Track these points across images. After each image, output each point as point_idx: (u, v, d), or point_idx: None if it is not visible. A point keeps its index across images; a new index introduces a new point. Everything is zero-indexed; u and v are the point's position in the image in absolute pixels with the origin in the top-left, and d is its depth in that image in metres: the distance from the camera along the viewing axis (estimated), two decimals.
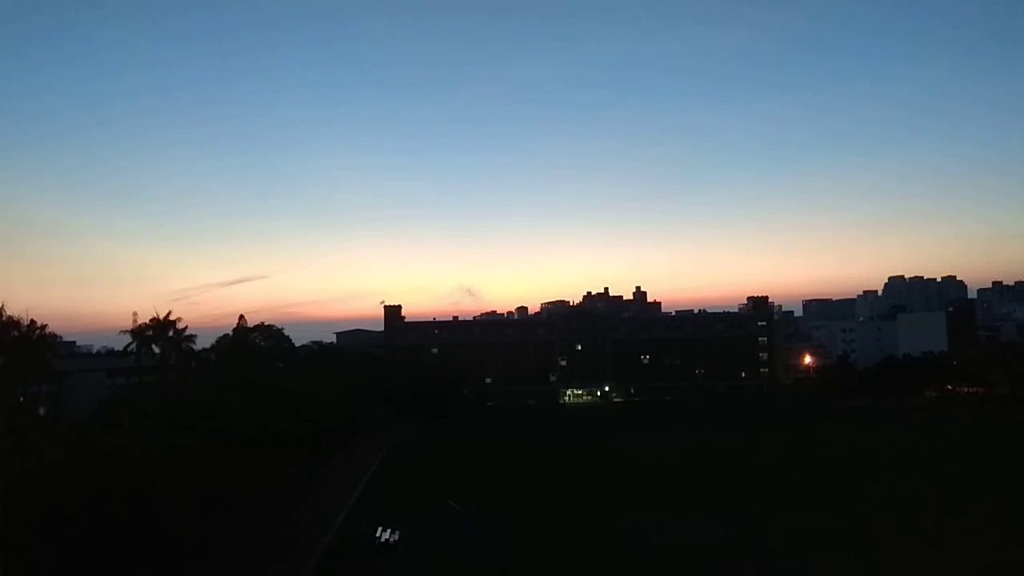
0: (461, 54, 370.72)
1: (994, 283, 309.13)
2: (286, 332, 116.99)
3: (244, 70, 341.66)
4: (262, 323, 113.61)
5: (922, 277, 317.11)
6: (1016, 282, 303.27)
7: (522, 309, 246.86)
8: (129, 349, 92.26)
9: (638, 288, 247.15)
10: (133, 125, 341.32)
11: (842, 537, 41.53)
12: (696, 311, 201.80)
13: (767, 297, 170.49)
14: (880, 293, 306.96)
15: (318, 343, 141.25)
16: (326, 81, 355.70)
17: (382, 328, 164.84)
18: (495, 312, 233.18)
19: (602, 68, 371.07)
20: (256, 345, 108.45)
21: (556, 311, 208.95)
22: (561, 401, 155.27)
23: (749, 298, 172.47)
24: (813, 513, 47.23)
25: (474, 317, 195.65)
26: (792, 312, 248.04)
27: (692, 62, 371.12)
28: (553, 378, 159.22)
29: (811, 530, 43.12)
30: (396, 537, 43.19)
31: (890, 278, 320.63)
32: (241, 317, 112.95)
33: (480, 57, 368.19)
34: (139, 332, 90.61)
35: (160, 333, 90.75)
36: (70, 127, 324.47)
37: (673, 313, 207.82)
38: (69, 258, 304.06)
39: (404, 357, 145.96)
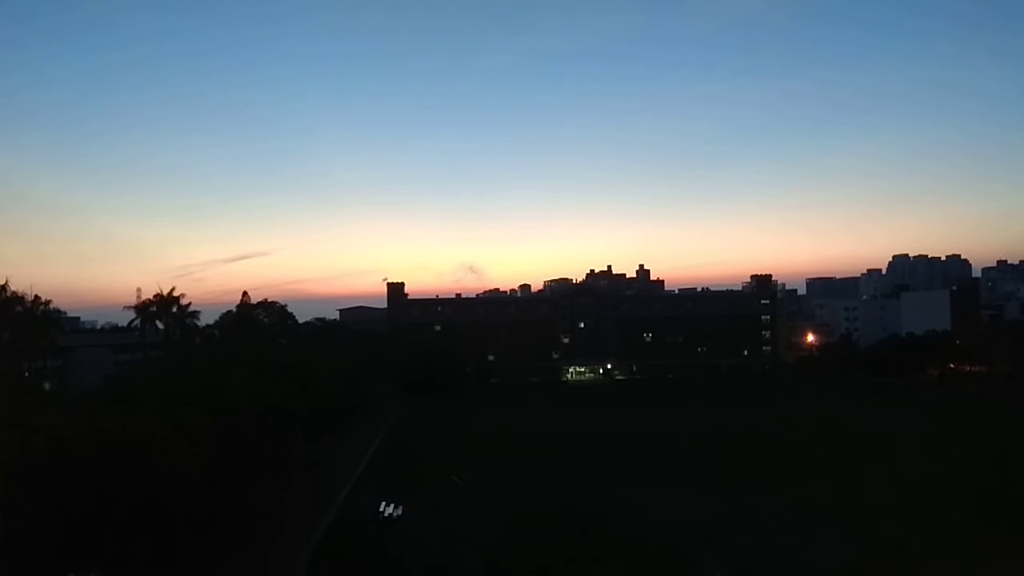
0: (464, 26, 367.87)
1: (999, 262, 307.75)
2: (289, 309, 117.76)
3: (245, 43, 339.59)
4: (265, 300, 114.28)
5: (926, 256, 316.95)
6: (1021, 261, 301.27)
7: (525, 287, 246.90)
8: (133, 325, 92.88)
9: (641, 266, 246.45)
10: (132, 99, 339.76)
11: (842, 515, 41.79)
12: (699, 289, 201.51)
13: (770, 275, 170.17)
14: (884, 271, 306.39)
15: (321, 320, 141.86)
16: (328, 54, 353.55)
17: (385, 305, 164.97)
18: (498, 290, 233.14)
19: (605, 41, 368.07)
20: (259, 322, 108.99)
21: (559, 289, 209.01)
22: (563, 379, 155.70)
23: (752, 276, 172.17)
24: (815, 491, 47.50)
25: (477, 295, 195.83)
26: (796, 290, 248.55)
27: (696, 35, 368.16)
28: (556, 356, 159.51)
29: (811, 507, 43.42)
30: (400, 512, 43.53)
31: (894, 256, 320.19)
32: (244, 294, 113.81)
33: (483, 30, 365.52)
34: (143, 308, 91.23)
35: (164, 309, 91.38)
36: (68, 101, 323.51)
37: (676, 291, 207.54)
38: (67, 233, 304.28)
39: (407, 334, 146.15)
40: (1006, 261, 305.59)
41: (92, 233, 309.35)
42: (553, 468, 58.09)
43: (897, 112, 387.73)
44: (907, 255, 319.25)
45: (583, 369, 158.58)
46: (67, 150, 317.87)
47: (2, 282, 71.04)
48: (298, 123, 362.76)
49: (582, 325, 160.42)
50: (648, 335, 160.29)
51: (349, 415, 76.94)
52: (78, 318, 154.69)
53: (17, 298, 73.36)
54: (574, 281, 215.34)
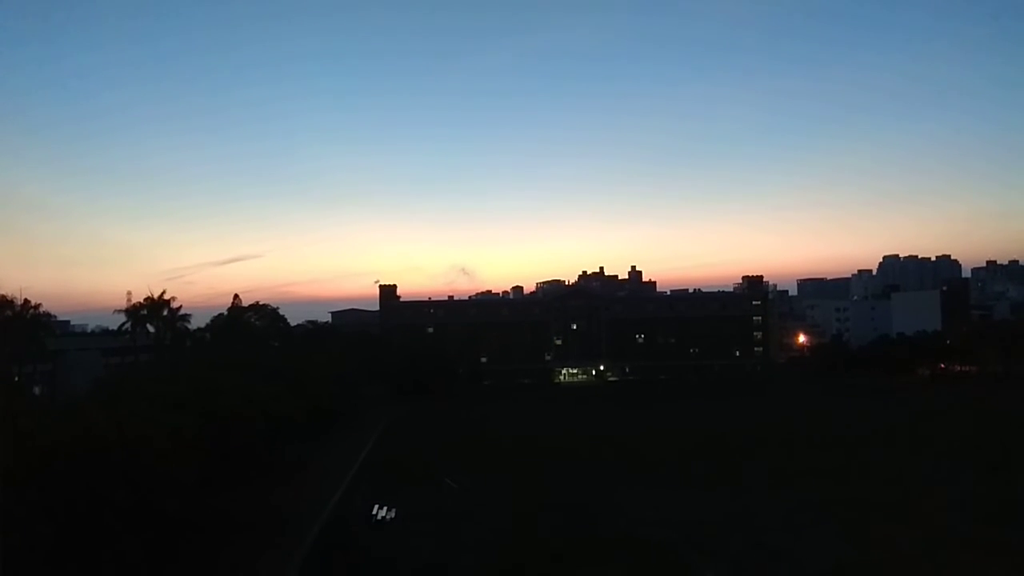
0: (456, 27, 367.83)
1: (988, 262, 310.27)
2: (281, 311, 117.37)
3: (235, 44, 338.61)
4: (257, 302, 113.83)
5: (916, 256, 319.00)
6: (1010, 261, 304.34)
7: (517, 289, 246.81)
8: (123, 328, 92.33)
9: (633, 267, 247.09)
10: (121, 100, 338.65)
11: (836, 514, 41.87)
12: (691, 290, 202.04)
13: (762, 276, 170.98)
14: (874, 272, 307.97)
15: (313, 322, 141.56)
16: (319, 55, 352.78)
17: (377, 308, 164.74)
18: (490, 292, 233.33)
19: (597, 42, 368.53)
20: (251, 324, 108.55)
21: (551, 290, 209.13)
22: (556, 380, 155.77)
23: (744, 277, 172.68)
24: (810, 490, 47.58)
25: (469, 296, 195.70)
26: (787, 291, 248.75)
27: (689, 35, 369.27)
28: (548, 357, 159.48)
29: (806, 507, 43.49)
30: (393, 514, 43.43)
31: (885, 257, 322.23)
32: (236, 296, 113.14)
33: (475, 31, 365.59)
34: (134, 311, 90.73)
35: (155, 312, 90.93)
36: (56, 102, 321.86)
37: (668, 292, 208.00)
38: (57, 236, 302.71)
39: (399, 336, 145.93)
40: (995, 261, 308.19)
41: (82, 236, 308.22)
42: (548, 469, 58.01)
43: (887, 113, 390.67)
44: (897, 256, 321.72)
45: (576, 371, 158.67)
46: (56, 152, 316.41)
47: None
48: (289, 124, 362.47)
49: (574, 327, 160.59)
50: (640, 336, 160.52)
51: (341, 417, 76.79)
52: (68, 321, 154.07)
53: (7, 302, 72.98)
54: (566, 283, 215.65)
